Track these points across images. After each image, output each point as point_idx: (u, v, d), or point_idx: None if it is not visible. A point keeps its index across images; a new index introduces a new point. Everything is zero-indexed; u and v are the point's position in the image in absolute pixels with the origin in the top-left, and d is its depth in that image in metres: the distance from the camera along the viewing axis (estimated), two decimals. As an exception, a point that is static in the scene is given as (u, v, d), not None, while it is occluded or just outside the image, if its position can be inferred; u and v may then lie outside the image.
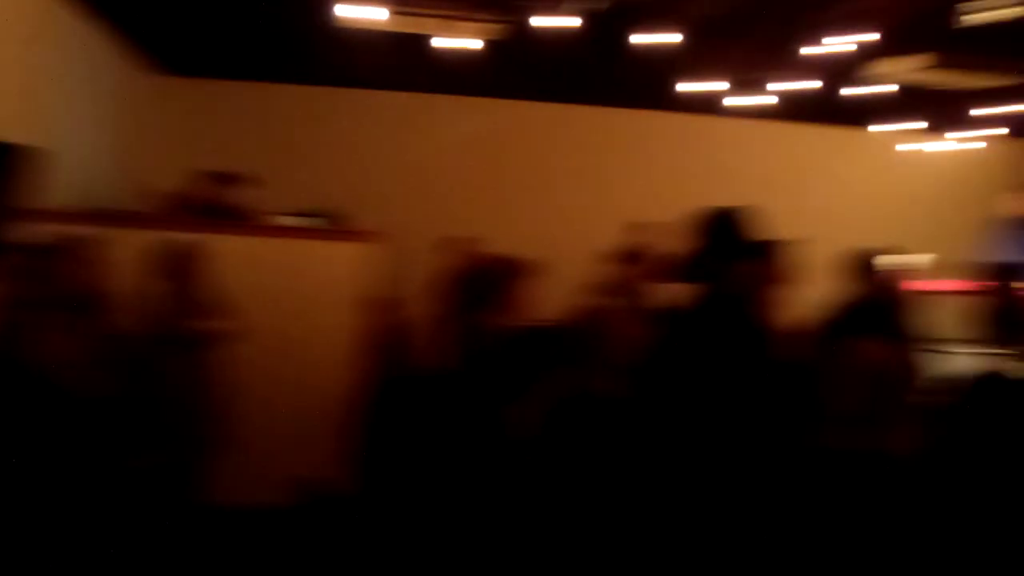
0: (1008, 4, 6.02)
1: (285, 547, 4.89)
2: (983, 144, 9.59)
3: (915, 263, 5.39)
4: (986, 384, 4.59)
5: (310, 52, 7.58)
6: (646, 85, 8.25)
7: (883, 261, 4.72)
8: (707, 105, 8.51)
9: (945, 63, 7.47)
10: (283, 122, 8.60)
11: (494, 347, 4.48)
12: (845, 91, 8.08)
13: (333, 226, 6.82)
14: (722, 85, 7.99)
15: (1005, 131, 9.37)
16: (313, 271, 5.88)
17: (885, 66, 7.60)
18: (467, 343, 5.03)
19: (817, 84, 7.75)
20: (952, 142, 9.47)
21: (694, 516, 3.80)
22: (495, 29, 6.76)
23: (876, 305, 4.48)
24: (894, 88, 8.01)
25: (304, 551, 4.88)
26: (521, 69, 8.04)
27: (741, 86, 8.04)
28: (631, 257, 6.19)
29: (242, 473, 5.08)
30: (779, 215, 5.00)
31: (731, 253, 4.30)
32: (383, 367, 6.01)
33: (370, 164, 8.73)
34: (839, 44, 6.69)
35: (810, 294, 4.57)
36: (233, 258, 5.34)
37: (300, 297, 5.78)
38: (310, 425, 5.59)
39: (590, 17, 6.41)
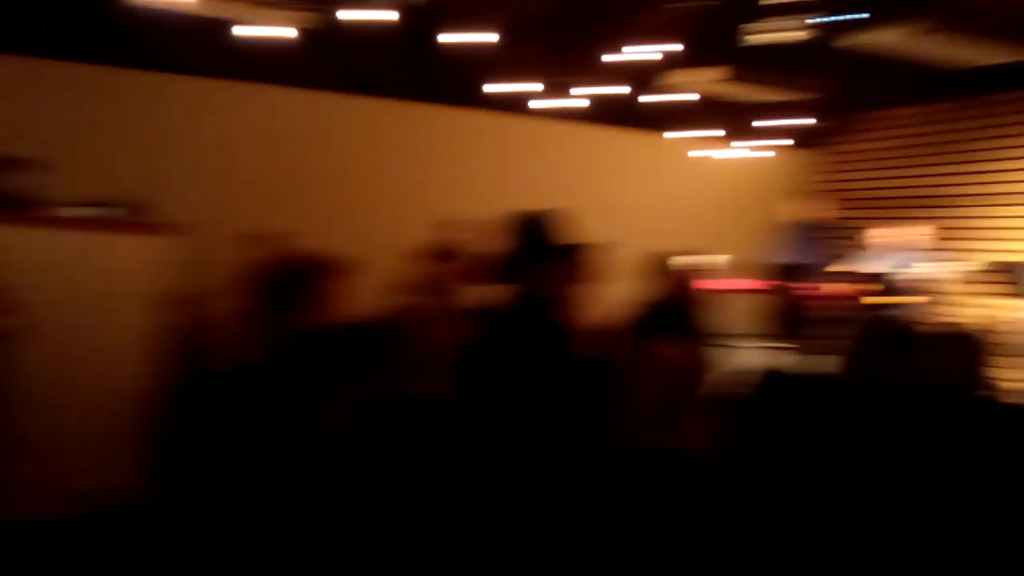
0: (786, 29, 6.60)
1: (72, 563, 4.58)
2: (771, 153, 10.36)
3: (708, 263, 5.75)
4: (767, 380, 4.95)
5: (104, 29, 7.08)
6: (460, 83, 8.31)
7: (679, 262, 5.00)
8: (519, 105, 8.67)
9: (738, 77, 8.06)
10: (73, 104, 7.97)
11: (301, 346, 4.37)
12: (647, 98, 8.49)
13: (127, 218, 6.43)
14: (533, 86, 8.18)
15: (790, 142, 10.18)
16: (104, 265, 5.51)
17: (684, 76, 8.08)
18: (273, 342, 4.88)
19: (622, 89, 8.08)
20: (743, 150, 10.15)
21: (498, 516, 3.87)
22: (306, 18, 6.61)
23: (672, 304, 4.73)
24: (693, 97, 8.51)
25: (94, 566, 4.59)
26: (334, 61, 7.88)
27: (551, 88, 8.26)
28: (443, 256, 6.22)
29: (24, 484, 4.71)
30: (585, 216, 5.20)
31: (539, 254, 4.42)
32: (182, 367, 5.73)
33: (171, 153, 8.26)
34: (642, 53, 7.02)
35: (613, 293, 4.77)
36: (13, 251, 4.96)
37: (90, 293, 5.40)
38: (100, 430, 5.26)
39: (406, 12, 6.38)
